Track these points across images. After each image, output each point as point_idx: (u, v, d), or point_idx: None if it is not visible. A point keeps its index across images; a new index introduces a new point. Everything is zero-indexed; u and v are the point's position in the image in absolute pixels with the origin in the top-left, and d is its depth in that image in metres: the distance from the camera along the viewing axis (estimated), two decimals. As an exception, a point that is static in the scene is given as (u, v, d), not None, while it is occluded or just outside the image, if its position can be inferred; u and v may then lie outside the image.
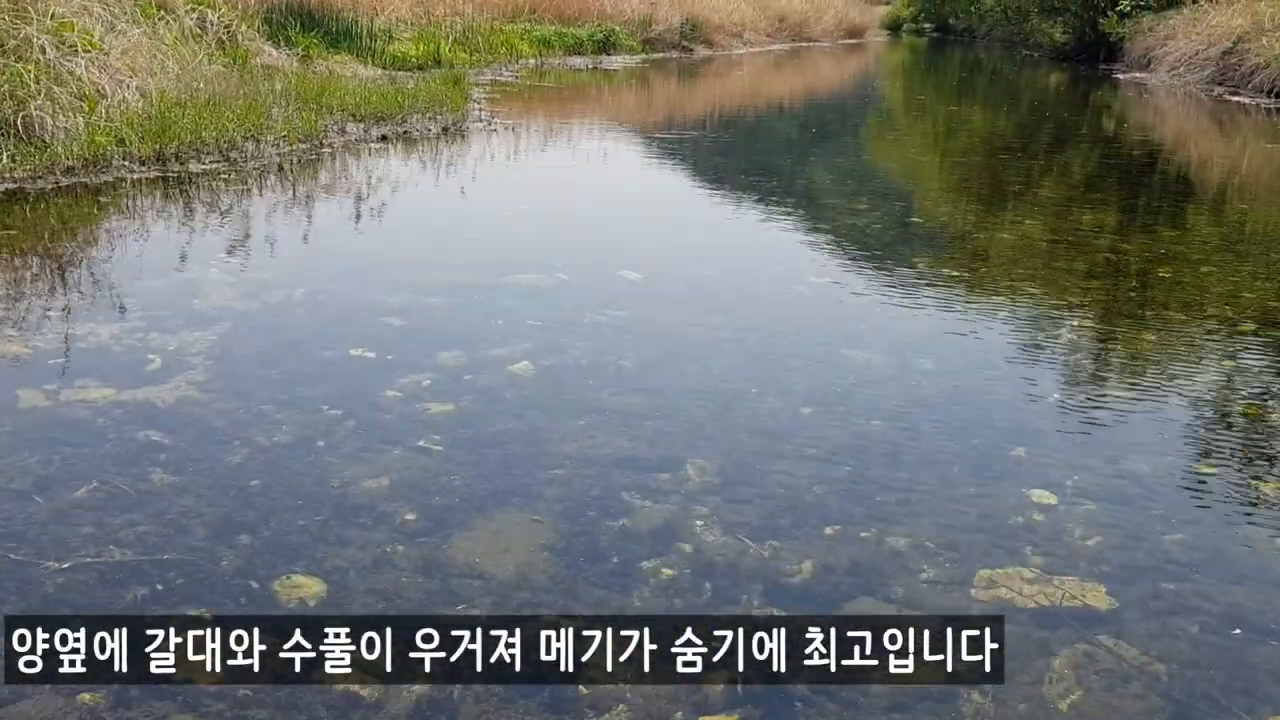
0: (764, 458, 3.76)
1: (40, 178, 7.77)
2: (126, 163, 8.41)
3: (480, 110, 12.91)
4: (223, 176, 8.45)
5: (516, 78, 17.86)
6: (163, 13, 13.39)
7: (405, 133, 11.08)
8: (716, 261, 6.67)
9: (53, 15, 9.92)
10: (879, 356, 4.82)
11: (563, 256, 6.50)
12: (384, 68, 16.34)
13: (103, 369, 4.32)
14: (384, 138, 10.75)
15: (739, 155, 12.06)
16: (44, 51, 8.87)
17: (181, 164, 8.64)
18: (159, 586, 2.80)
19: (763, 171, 11.05)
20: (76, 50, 9.70)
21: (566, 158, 10.89)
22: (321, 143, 10.07)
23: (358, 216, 7.47)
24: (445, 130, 11.40)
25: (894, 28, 42.21)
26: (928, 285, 6.16)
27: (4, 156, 7.84)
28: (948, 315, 5.58)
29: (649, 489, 3.49)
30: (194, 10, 13.78)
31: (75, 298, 5.21)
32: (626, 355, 4.77)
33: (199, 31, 13.47)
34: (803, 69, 26.84)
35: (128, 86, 9.94)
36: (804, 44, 31.42)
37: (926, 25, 41.28)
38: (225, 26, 14.30)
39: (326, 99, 11.50)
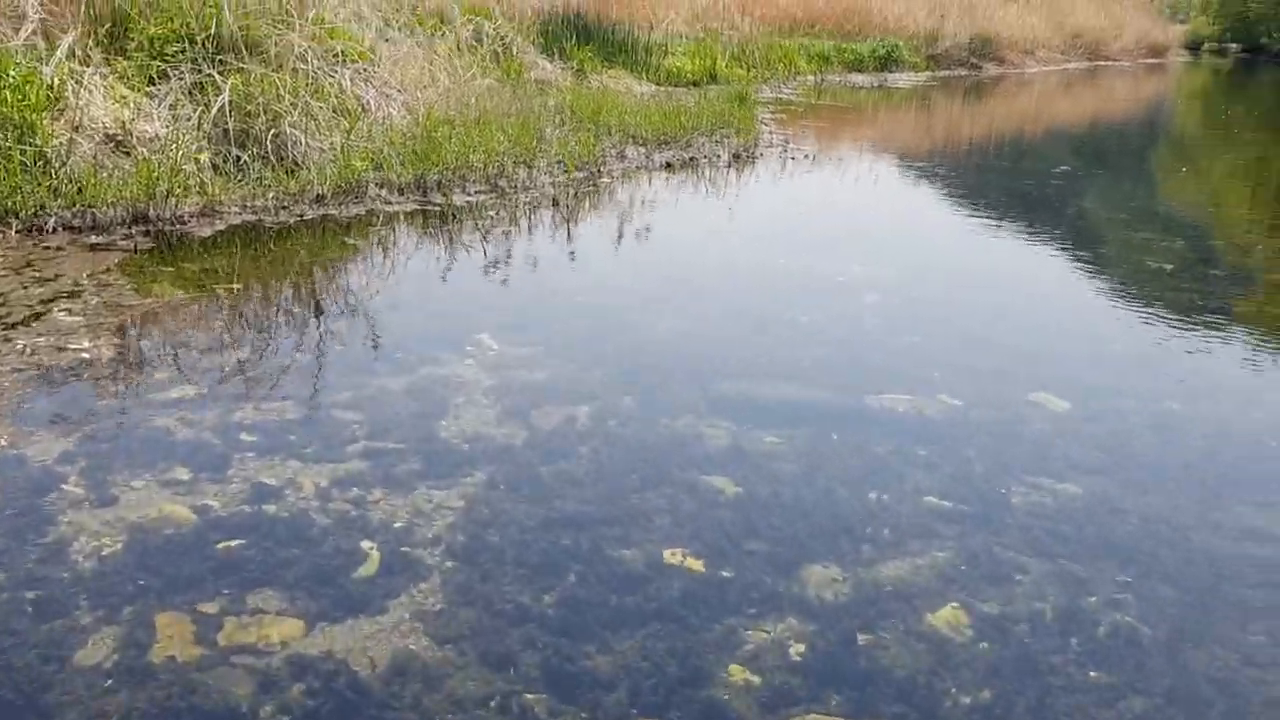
0: None
1: (285, 208, 6.42)
2: (383, 192, 7.00)
3: (771, 133, 11.02)
4: (489, 212, 6.90)
5: (798, 96, 15.91)
6: (438, 23, 12.28)
7: (691, 159, 9.33)
8: (1170, 381, 4.48)
9: (322, 21, 8.75)
10: None
11: (936, 359, 4.48)
12: (658, 83, 14.76)
13: (292, 569, 2.66)
14: (668, 165, 9.03)
15: (1126, 202, 9.64)
16: (304, 59, 7.61)
17: (444, 194, 7.16)
18: None
19: (1169, 228, 8.62)
20: (343, 60, 8.48)
21: (891, 200, 8.81)
22: (600, 170, 8.44)
23: (650, 278, 5.70)
24: (736, 157, 9.57)
25: (1193, 47, 37.40)
26: None
27: (249, 182, 6.55)
28: None
29: None
30: (470, 21, 12.59)
31: (274, 410, 3.62)
32: (1124, 608, 2.71)
33: (474, 44, 12.26)
34: (1112, 92, 23.52)
35: (394, 101, 8.64)
36: (1101, 63, 27.90)
37: (1232, 45, 36.31)
38: (500, 38, 13.05)
39: (604, 117, 9.92)
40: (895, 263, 6.33)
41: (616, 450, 3.45)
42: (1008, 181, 10.36)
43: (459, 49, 11.59)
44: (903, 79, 20.08)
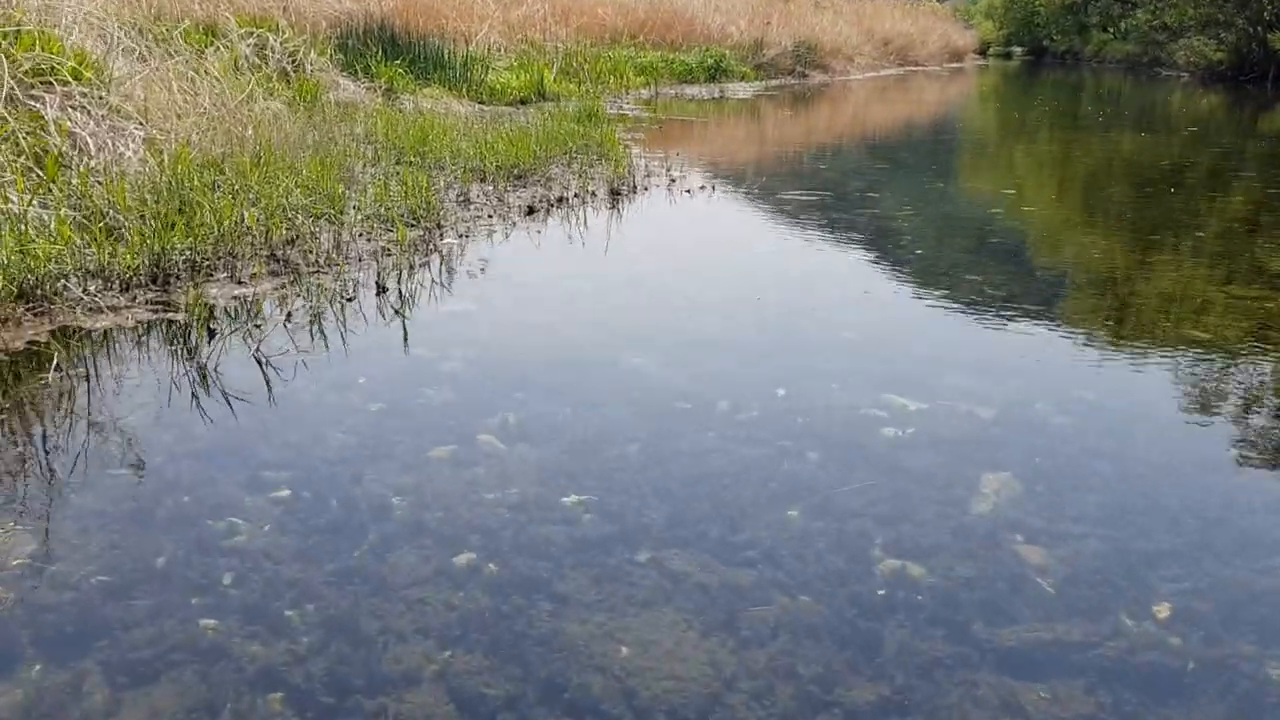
0: None
1: (-111, 343, 3.38)
2: (91, 289, 4.01)
3: (643, 159, 8.42)
4: (273, 317, 4.00)
5: (642, 111, 13.39)
6: (211, 39, 9.10)
7: (559, 199, 6.60)
8: None
9: (20, 31, 5.66)
10: None
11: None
12: (482, 102, 11.97)
13: None
14: (530, 209, 6.28)
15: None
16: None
17: (198, 283, 4.22)
18: None
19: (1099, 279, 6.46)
20: (51, 81, 5.45)
21: (853, 258, 6.33)
22: (439, 224, 5.62)
23: (551, 486, 2.94)
24: (615, 193, 6.90)
25: (981, 52, 37.10)
26: None
27: None
28: None
29: None
30: (251, 34, 9.44)
31: None
32: None
33: (258, 62, 9.12)
34: (945, 94, 22.04)
35: (130, 137, 5.60)
36: (912, 68, 26.69)
37: (1017, 49, 36.19)
38: (290, 54, 9.95)
39: (431, 146, 7.11)
40: (938, 380, 3.78)
41: None
42: (989, 206, 8.12)
43: (236, 67, 8.49)
44: (740, 89, 17.90)
